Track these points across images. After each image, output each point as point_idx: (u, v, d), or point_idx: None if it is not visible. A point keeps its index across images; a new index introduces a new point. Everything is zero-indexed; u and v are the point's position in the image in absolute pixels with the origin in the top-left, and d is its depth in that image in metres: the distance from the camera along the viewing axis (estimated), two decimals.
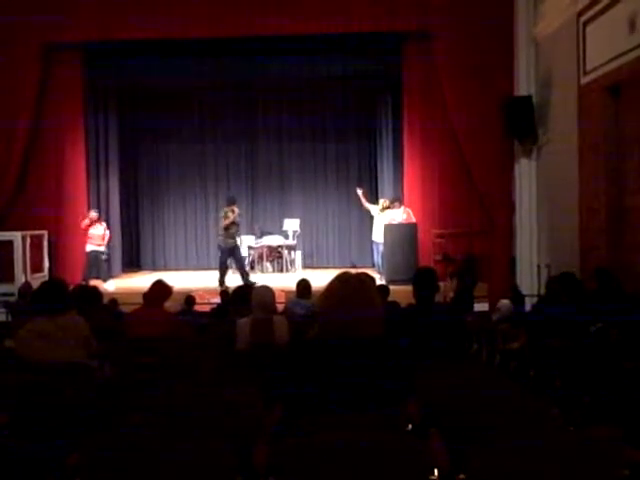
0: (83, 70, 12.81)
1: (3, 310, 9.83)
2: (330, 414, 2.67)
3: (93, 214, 12.64)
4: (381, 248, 12.80)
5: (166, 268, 15.79)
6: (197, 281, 13.35)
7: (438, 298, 5.35)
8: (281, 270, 14.90)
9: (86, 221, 12.44)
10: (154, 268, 15.80)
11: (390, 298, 8.06)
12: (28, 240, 11.99)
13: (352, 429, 2.58)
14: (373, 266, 13.94)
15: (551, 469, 2.53)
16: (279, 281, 12.36)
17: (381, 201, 13.28)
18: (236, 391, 3.47)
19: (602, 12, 8.64)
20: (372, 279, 3.28)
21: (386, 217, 12.64)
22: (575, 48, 9.38)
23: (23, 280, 11.00)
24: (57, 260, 12.78)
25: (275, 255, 15.14)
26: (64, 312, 4.65)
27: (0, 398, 3.47)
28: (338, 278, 2.99)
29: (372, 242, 13.49)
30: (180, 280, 12.67)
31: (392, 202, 12.82)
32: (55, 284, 5.06)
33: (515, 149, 11.75)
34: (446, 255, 11.69)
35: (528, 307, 8.84)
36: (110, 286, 12.29)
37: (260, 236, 15.08)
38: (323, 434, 2.55)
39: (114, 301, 9.35)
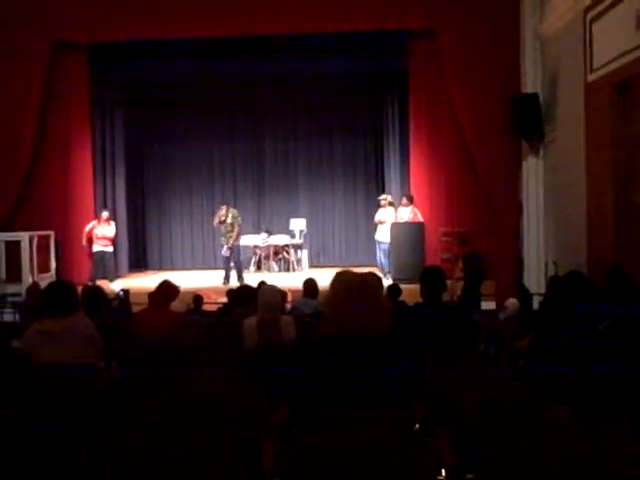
0: (90, 69, 12.85)
1: (10, 310, 9.86)
2: (337, 414, 2.66)
3: (105, 214, 12.69)
4: (384, 247, 12.78)
5: (173, 268, 15.83)
6: (204, 281, 13.36)
7: (445, 297, 5.33)
8: (288, 269, 14.90)
9: (89, 226, 12.53)
10: (160, 268, 15.83)
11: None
12: (35, 240, 12.00)
13: (359, 429, 2.57)
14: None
15: (560, 468, 2.52)
16: (286, 280, 12.36)
17: (382, 196, 13.24)
18: (243, 390, 3.47)
19: (609, 9, 8.60)
20: (378, 278, 3.26)
21: (390, 214, 12.61)
22: (582, 45, 9.33)
23: (30, 280, 11.01)
24: (64, 260, 12.81)
25: (281, 252, 15.11)
26: (71, 313, 4.65)
27: (7, 399, 3.47)
28: (341, 277, 2.97)
29: (375, 241, 13.40)
30: (187, 280, 12.67)
31: (401, 199, 12.81)
32: (62, 285, 5.06)
33: (522, 147, 11.71)
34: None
35: (536, 305, 8.80)
36: (117, 286, 12.30)
37: (268, 235, 15.04)
38: (330, 434, 2.54)
39: (126, 291, 9.51)
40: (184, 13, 11.86)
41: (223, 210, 13.11)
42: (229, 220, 13.01)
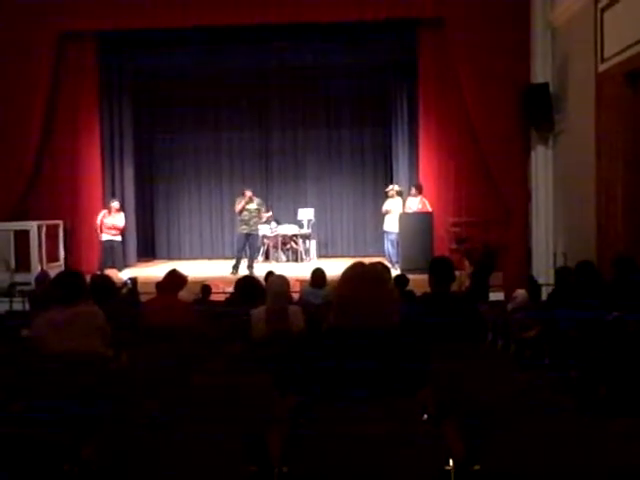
0: (98, 58, 12.83)
1: (19, 299, 9.91)
2: (345, 404, 2.66)
3: (115, 203, 12.69)
4: (391, 237, 12.76)
5: (181, 257, 15.85)
6: (212, 270, 13.36)
7: (454, 287, 5.32)
8: (296, 259, 14.90)
9: (100, 216, 12.55)
10: (169, 257, 15.86)
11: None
12: (44, 230, 12.04)
13: (367, 419, 2.57)
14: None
15: (566, 460, 2.51)
16: (294, 270, 12.37)
17: (389, 187, 13.21)
18: (251, 381, 3.47)
19: None
20: (387, 269, 3.26)
21: (398, 204, 12.59)
22: (592, 35, 9.27)
23: (39, 270, 11.05)
24: (73, 250, 12.85)
25: (289, 242, 15.11)
26: (80, 302, 4.66)
27: (16, 388, 3.49)
28: (352, 268, 2.97)
29: (383, 231, 13.37)
30: (195, 269, 12.70)
31: (409, 189, 12.79)
32: (71, 274, 5.07)
33: (531, 137, 11.66)
34: (459, 238, 11.73)
35: (544, 296, 8.79)
36: (125, 275, 12.32)
37: (276, 225, 15.01)
38: (337, 424, 2.54)
39: (134, 280, 9.53)
40: (193, 1, 11.84)
41: (248, 196, 12.99)
42: (254, 206, 12.96)
